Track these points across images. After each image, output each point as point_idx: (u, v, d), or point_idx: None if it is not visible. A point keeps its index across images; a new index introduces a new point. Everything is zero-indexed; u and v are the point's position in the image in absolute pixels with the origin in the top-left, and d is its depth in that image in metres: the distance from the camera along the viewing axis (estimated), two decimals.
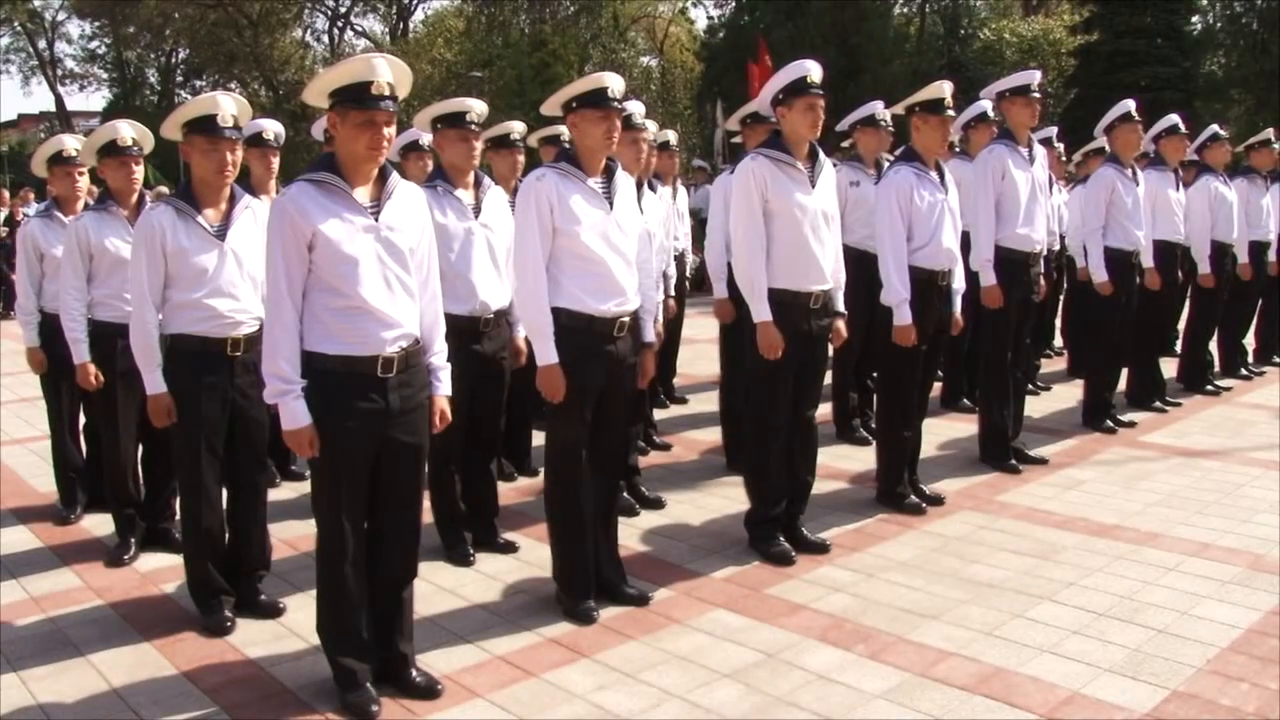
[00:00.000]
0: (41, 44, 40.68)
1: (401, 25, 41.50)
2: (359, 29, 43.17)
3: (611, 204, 3.84)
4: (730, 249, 4.54)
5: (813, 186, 4.40)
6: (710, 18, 38.70)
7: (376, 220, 3.14)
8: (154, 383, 3.88)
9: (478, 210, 4.49)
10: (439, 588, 4.24)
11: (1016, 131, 5.78)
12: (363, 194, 3.16)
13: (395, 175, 3.26)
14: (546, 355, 3.74)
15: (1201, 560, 4.46)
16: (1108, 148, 7.03)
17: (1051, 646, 3.65)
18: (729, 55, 25.00)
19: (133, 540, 4.67)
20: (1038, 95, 5.78)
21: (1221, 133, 8.23)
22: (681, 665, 3.53)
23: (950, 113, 5.11)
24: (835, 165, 5.43)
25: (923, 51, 29.61)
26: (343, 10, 40.94)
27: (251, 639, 3.79)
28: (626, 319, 3.87)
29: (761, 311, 4.35)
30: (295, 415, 3.08)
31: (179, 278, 3.83)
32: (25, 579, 4.42)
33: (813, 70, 4.34)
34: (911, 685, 3.39)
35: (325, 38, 41.85)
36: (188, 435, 3.86)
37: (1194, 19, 31.05)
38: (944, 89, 5.07)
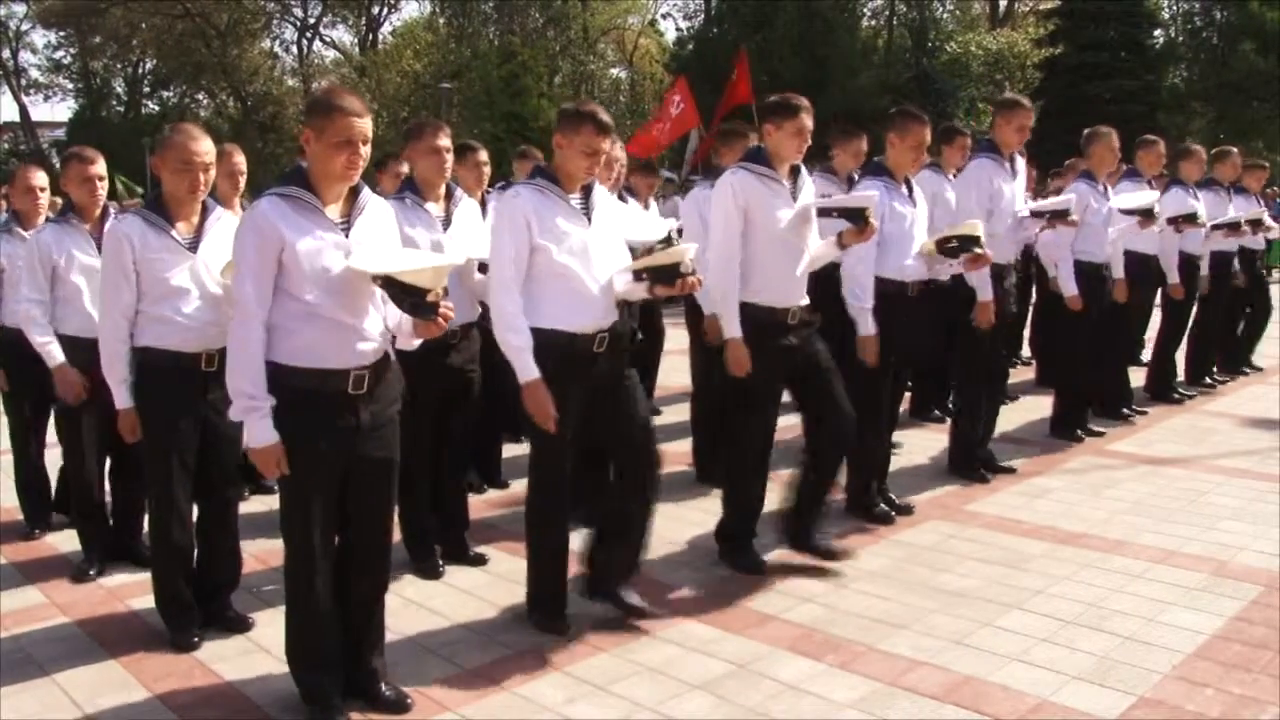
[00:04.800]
0: (5, 53, 40.26)
1: (371, 36, 41.43)
2: (328, 40, 43.15)
3: (590, 220, 3.78)
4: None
5: (794, 201, 4.39)
6: (679, 30, 38.83)
7: (347, 236, 3.12)
8: (122, 397, 3.81)
9: (447, 223, 4.47)
10: (408, 601, 4.21)
11: (1003, 146, 5.81)
12: (333, 210, 3.13)
13: (366, 191, 3.24)
14: (528, 371, 3.62)
15: (1167, 567, 4.51)
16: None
17: (1020, 654, 3.68)
18: (698, 67, 25.06)
19: (96, 556, 4.60)
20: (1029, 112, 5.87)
21: (1195, 147, 8.31)
22: (652, 677, 3.53)
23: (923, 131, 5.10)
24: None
25: (890, 63, 29.85)
26: (311, 21, 40.84)
27: (220, 655, 3.75)
28: (606, 335, 3.80)
29: (732, 328, 4.33)
30: (261, 433, 3.03)
31: (150, 290, 3.76)
32: None
33: (808, 108, 4.38)
34: (882, 695, 3.41)
35: (294, 48, 41.77)
36: (158, 450, 3.81)
37: (1156, 33, 31.49)
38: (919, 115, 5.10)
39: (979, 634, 3.86)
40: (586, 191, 3.82)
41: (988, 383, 5.99)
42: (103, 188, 4.62)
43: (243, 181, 5.17)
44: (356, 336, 3.12)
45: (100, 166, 4.60)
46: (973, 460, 5.93)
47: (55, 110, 73.00)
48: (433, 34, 37.47)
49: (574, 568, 3.98)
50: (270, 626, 3.91)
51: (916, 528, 5.07)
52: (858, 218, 4.38)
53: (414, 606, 4.17)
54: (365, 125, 3.09)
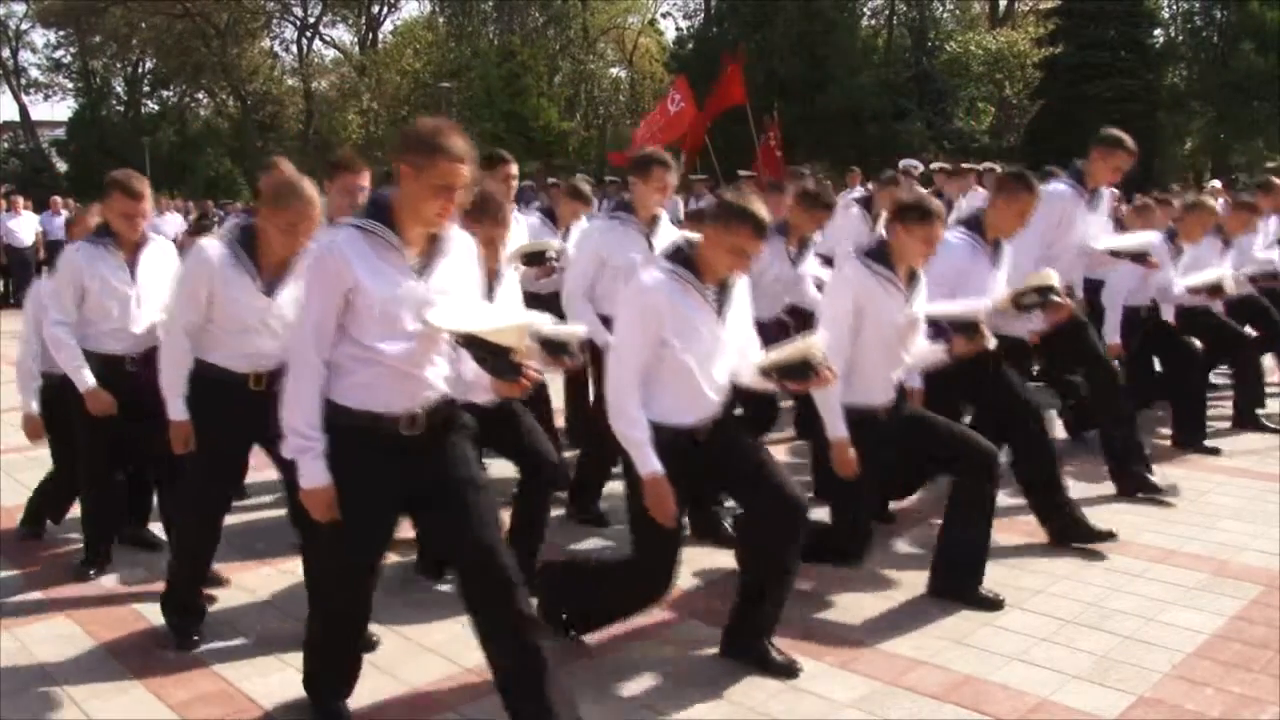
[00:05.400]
0: (5, 53, 40.23)
1: (371, 35, 41.40)
2: (328, 39, 43.13)
3: (721, 315, 3.52)
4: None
5: (906, 302, 4.08)
6: (679, 29, 38.86)
7: (424, 282, 2.91)
8: (177, 409, 3.78)
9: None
10: (408, 601, 4.21)
11: (1090, 179, 5.45)
12: (413, 250, 2.92)
13: (450, 229, 3.03)
14: (649, 465, 3.35)
15: (1167, 567, 4.51)
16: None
17: (1020, 654, 3.68)
18: (698, 66, 25.07)
19: (99, 558, 4.61)
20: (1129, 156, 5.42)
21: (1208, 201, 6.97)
22: (653, 675, 3.53)
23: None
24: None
25: (890, 63, 29.87)
26: (311, 20, 40.82)
27: (221, 655, 3.76)
28: (711, 424, 3.55)
29: (837, 428, 3.94)
30: (314, 474, 2.88)
31: (216, 318, 3.71)
32: None
33: (941, 216, 4.00)
34: (882, 694, 3.41)
35: (294, 48, 41.73)
36: (203, 467, 3.80)
37: (1156, 32, 31.51)
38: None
39: (979, 633, 3.87)
40: (723, 283, 3.55)
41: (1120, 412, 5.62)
42: (146, 221, 4.43)
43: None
44: (417, 384, 2.96)
45: (148, 203, 4.39)
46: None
47: (55, 109, 73.14)
48: (432, 33, 37.48)
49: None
50: (272, 625, 3.91)
51: (916, 527, 5.07)
52: (970, 330, 4.18)
53: (414, 606, 4.17)
54: (468, 171, 2.86)
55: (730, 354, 3.58)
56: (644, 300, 3.41)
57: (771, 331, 4.78)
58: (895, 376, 4.18)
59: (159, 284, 4.39)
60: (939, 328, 4.30)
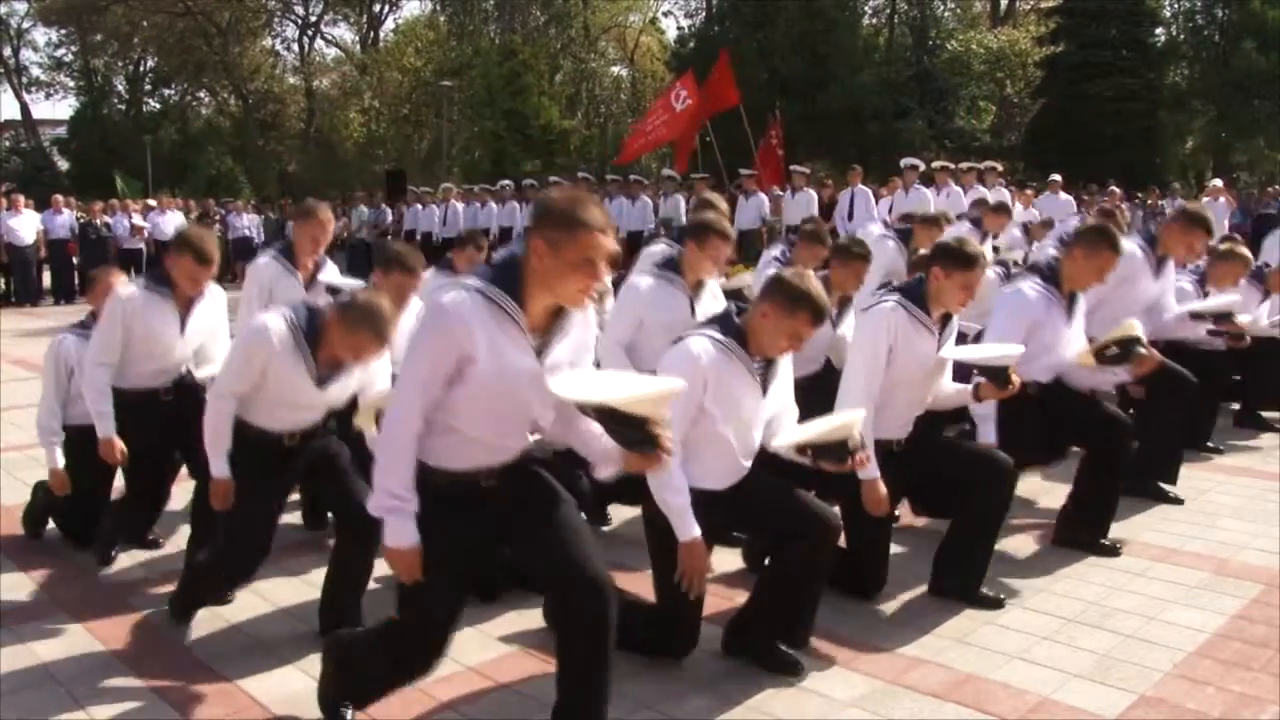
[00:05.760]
0: (6, 51, 40.25)
1: (372, 34, 41.38)
2: (329, 38, 43.13)
3: (765, 390, 3.52)
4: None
5: (937, 349, 4.07)
6: (680, 28, 38.75)
7: (540, 361, 2.76)
8: (220, 468, 3.79)
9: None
10: None
11: (1163, 248, 5.24)
12: (534, 326, 2.76)
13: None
14: (688, 531, 3.34)
15: (1168, 565, 4.51)
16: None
17: (1022, 653, 3.68)
18: (699, 65, 25.05)
19: (111, 548, 4.68)
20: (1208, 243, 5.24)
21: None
22: (655, 675, 3.53)
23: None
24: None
25: (891, 61, 29.84)
26: (312, 19, 40.81)
27: (221, 653, 3.76)
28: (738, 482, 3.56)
29: (870, 469, 3.83)
30: (403, 534, 2.74)
31: (265, 389, 3.75)
32: None
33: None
34: (883, 693, 3.41)
35: (295, 46, 41.71)
36: (246, 517, 3.81)
37: (1158, 31, 31.43)
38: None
39: (980, 632, 3.87)
40: (769, 359, 3.54)
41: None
42: (208, 283, 4.46)
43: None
44: (502, 453, 2.88)
45: (215, 268, 4.42)
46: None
47: (56, 108, 73.18)
48: (434, 32, 37.45)
49: None
50: (273, 623, 3.92)
51: (918, 526, 5.06)
52: (999, 376, 4.04)
53: None
54: (610, 243, 2.69)
55: (766, 424, 3.57)
56: (690, 367, 3.36)
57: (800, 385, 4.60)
58: (915, 413, 4.16)
59: (207, 332, 4.50)
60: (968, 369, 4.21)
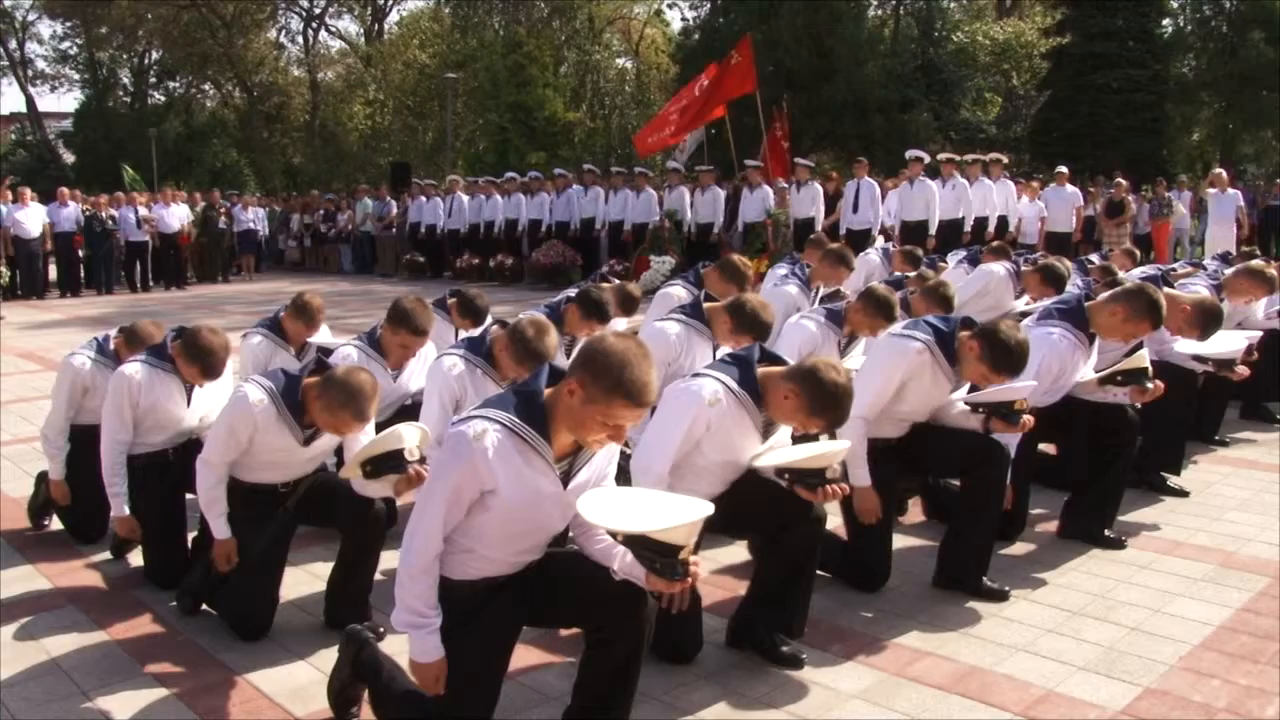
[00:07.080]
0: (12, 44, 40.21)
1: (376, 26, 41.33)
2: (333, 30, 43.08)
3: (765, 438, 3.56)
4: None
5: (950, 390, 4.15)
6: (685, 20, 38.72)
7: (564, 486, 2.80)
8: (220, 529, 3.86)
9: None
10: None
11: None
12: (560, 453, 2.79)
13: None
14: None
15: (1173, 558, 4.50)
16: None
17: (1026, 645, 3.68)
18: (704, 56, 24.97)
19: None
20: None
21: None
22: (659, 667, 3.52)
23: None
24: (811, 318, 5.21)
25: (896, 53, 29.65)
26: (317, 11, 40.75)
27: (228, 646, 3.77)
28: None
29: (860, 475, 4.04)
30: (428, 650, 2.76)
31: (254, 454, 3.85)
32: None
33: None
34: (887, 685, 3.41)
35: (300, 39, 41.65)
36: (251, 561, 3.89)
37: (1164, 21, 31.32)
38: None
39: (985, 624, 3.86)
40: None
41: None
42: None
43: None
44: (518, 566, 2.92)
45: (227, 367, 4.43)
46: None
47: (61, 101, 73.35)
48: (438, 24, 37.34)
49: None
50: (280, 616, 3.92)
51: (922, 520, 5.06)
52: (1008, 413, 4.01)
53: None
54: (644, 413, 2.70)
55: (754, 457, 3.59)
56: (695, 410, 3.38)
57: None
58: (914, 421, 4.24)
59: (215, 399, 4.51)
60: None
